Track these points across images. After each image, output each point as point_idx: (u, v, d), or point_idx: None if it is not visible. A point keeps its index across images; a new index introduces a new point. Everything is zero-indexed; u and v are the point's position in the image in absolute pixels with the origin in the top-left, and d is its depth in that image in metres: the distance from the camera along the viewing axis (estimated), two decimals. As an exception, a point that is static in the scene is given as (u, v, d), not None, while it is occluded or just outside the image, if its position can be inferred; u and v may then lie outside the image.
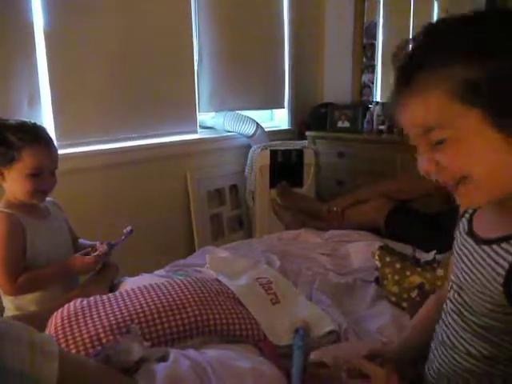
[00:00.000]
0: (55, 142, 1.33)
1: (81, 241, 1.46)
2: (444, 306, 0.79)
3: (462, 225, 0.75)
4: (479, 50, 0.57)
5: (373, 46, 2.79)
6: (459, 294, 0.73)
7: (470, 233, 0.71)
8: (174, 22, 2.17)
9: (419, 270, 1.27)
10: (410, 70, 0.61)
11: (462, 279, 0.72)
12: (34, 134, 1.24)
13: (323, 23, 2.91)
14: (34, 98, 1.77)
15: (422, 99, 0.60)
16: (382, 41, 2.77)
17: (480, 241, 0.68)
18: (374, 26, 2.75)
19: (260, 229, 2.37)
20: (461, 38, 0.58)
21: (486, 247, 0.66)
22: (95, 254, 1.30)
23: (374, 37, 2.77)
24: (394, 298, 1.28)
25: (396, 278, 1.28)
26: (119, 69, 2.00)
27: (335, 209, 1.93)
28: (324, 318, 1.14)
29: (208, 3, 2.31)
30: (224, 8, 2.38)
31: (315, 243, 1.71)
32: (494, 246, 0.64)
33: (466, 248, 0.71)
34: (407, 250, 1.43)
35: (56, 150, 1.30)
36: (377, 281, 1.36)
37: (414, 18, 2.61)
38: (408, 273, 1.27)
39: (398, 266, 1.29)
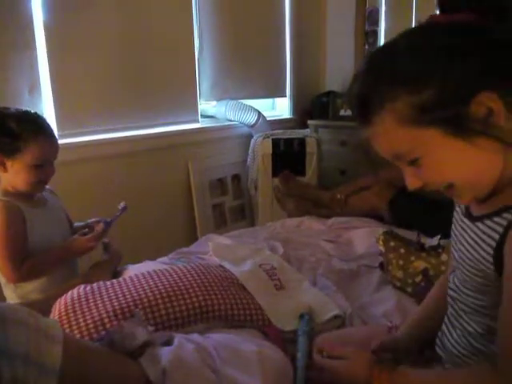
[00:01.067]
0: (56, 132, 1.32)
1: (75, 224, 1.45)
2: (449, 291, 0.80)
3: (460, 208, 0.77)
4: (417, 78, 0.61)
5: (375, 33, 2.76)
6: (455, 275, 0.76)
7: (467, 213, 0.74)
8: (174, 11, 2.15)
9: (424, 255, 1.26)
10: (362, 109, 0.66)
11: (457, 258, 0.74)
12: (39, 125, 1.23)
13: (325, 10, 2.88)
14: (34, 88, 1.76)
15: (382, 134, 0.65)
16: (385, 27, 2.74)
17: (474, 218, 0.71)
18: (377, 12, 2.72)
19: (262, 218, 2.36)
20: (399, 71, 0.62)
21: (479, 224, 0.69)
22: (93, 233, 1.30)
23: (376, 23, 2.74)
24: (398, 283, 1.27)
25: (400, 263, 1.27)
26: (119, 58, 1.99)
27: (338, 196, 1.92)
28: (328, 303, 1.14)
29: (208, -10, 2.29)
30: (224, -5, 2.36)
31: (318, 230, 1.70)
32: (486, 221, 0.67)
33: (463, 228, 0.74)
34: (411, 235, 1.42)
35: (57, 141, 1.29)
36: (381, 266, 1.36)
37: (417, 4, 2.58)
38: (412, 258, 1.26)
39: (402, 250, 1.29)
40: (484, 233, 0.67)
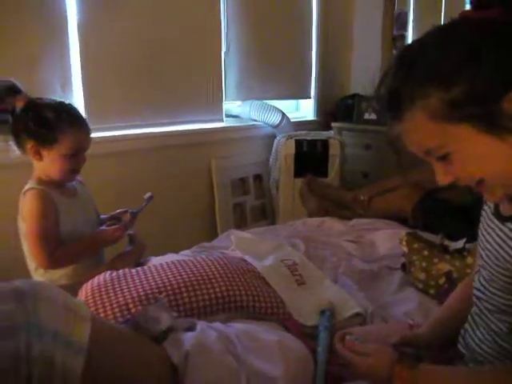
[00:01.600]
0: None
1: (102, 216, 1.48)
2: (474, 290, 0.80)
3: (489, 207, 0.77)
4: (448, 75, 0.61)
5: (403, 37, 2.74)
6: (481, 274, 0.76)
7: (496, 213, 0.73)
8: (202, 11, 2.18)
9: (448, 257, 1.25)
10: (393, 106, 0.66)
11: (485, 257, 0.74)
12: (74, 115, 1.26)
13: (352, 13, 2.87)
14: (66, 83, 1.81)
15: (413, 130, 0.65)
16: (413, 32, 2.72)
17: (504, 218, 0.70)
18: (405, 15, 2.71)
19: (283, 218, 2.36)
20: (430, 67, 0.63)
21: (508, 223, 0.68)
22: (120, 223, 1.33)
23: (404, 27, 2.72)
24: (420, 285, 1.26)
25: (423, 264, 1.26)
26: (148, 56, 2.03)
27: (362, 197, 1.91)
28: (350, 300, 1.13)
29: (237, -9, 2.32)
30: (252, -4, 2.38)
31: (340, 230, 1.69)
32: None
33: (491, 227, 0.73)
34: (435, 238, 1.41)
35: (90, 130, 1.33)
36: (403, 267, 1.35)
37: (446, 9, 2.56)
38: (436, 260, 1.25)
39: (425, 252, 1.27)
40: None
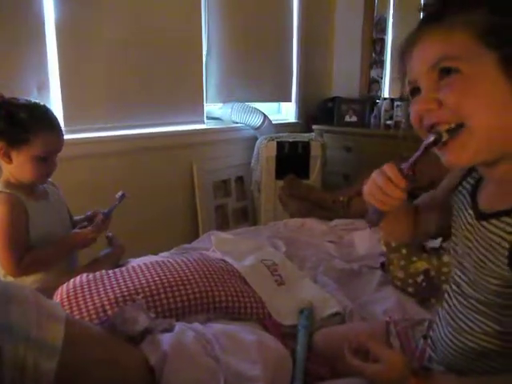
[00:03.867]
0: (62, 127, 1.32)
1: (75, 218, 1.45)
2: (447, 287, 0.78)
3: (463, 200, 0.73)
4: (507, 4, 0.60)
5: (382, 41, 2.78)
6: (462, 272, 0.72)
7: (473, 209, 0.70)
8: (183, 13, 2.18)
9: (425, 255, 1.26)
10: (443, 7, 0.64)
11: (464, 256, 0.70)
12: (48, 118, 1.23)
13: (333, 16, 2.91)
14: (43, 84, 1.78)
15: (448, 31, 0.62)
16: (392, 36, 2.76)
17: (482, 216, 0.67)
18: (384, 20, 2.75)
19: (265, 220, 2.37)
20: None
21: (484, 223, 0.66)
22: (93, 225, 1.30)
23: (383, 31, 2.76)
24: (399, 283, 1.27)
25: (402, 263, 1.27)
26: (128, 57, 2.01)
27: (341, 198, 1.92)
28: (329, 299, 1.14)
29: (218, -6, 2.32)
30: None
31: (321, 231, 1.70)
32: (494, 221, 0.64)
33: (469, 224, 0.70)
34: (413, 237, 1.42)
35: (63, 134, 1.30)
36: (382, 266, 1.36)
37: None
38: (414, 258, 1.27)
39: (404, 251, 1.29)
40: (494, 233, 0.64)
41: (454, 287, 0.75)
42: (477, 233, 0.67)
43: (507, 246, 0.61)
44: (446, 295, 0.77)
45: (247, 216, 2.61)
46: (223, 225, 2.46)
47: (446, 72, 0.61)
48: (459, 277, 0.73)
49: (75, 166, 1.81)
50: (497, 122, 0.60)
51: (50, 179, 1.35)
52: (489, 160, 0.65)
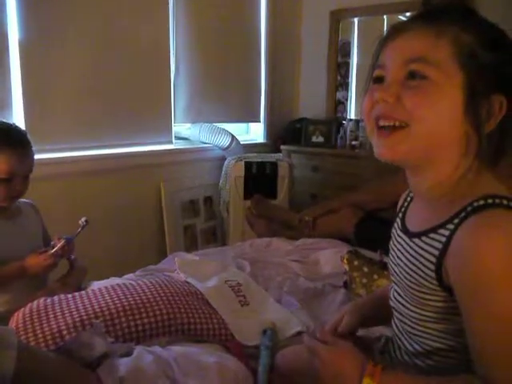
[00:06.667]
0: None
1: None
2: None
3: (397, 223, 0.78)
4: (493, 37, 0.64)
5: (347, 65, 2.87)
6: (397, 291, 0.76)
7: (404, 229, 0.75)
8: (151, 33, 2.20)
9: (386, 273, 1.29)
10: (445, 13, 0.66)
11: (398, 273, 0.74)
12: (8, 137, 1.21)
13: (300, 40, 2.99)
14: (4, 103, 1.76)
15: (437, 36, 0.64)
16: (356, 60, 2.86)
17: (411, 235, 0.72)
18: (348, 44, 2.85)
19: (234, 240, 2.37)
20: (485, 26, 0.66)
21: (416, 240, 0.69)
22: (51, 251, 1.26)
23: (348, 55, 2.86)
24: (361, 302, 1.29)
25: (364, 281, 1.30)
26: (93, 78, 2.00)
27: (307, 218, 1.96)
28: (292, 319, 1.15)
29: (186, 15, 2.36)
30: (201, 21, 2.43)
31: (286, 250, 1.72)
32: (423, 238, 0.68)
33: (400, 244, 0.74)
34: (375, 255, 1.46)
35: (32, 154, 1.27)
36: (345, 285, 1.38)
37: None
38: (375, 276, 1.30)
39: (365, 269, 1.32)
40: (422, 249, 0.67)
41: (392, 304, 0.78)
42: (408, 251, 0.71)
43: (434, 259, 0.65)
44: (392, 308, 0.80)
45: (216, 236, 2.61)
46: (192, 245, 2.45)
47: (414, 75, 0.64)
48: (396, 295, 0.76)
49: (38, 187, 1.77)
50: (439, 130, 0.64)
51: (29, 200, 1.33)
52: (419, 161, 0.68)
